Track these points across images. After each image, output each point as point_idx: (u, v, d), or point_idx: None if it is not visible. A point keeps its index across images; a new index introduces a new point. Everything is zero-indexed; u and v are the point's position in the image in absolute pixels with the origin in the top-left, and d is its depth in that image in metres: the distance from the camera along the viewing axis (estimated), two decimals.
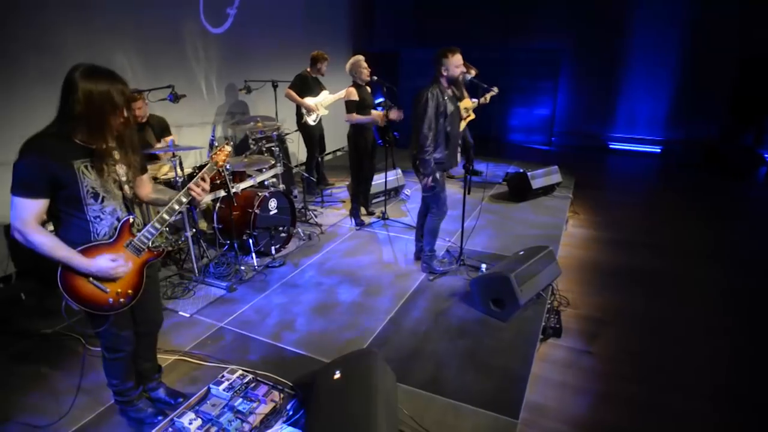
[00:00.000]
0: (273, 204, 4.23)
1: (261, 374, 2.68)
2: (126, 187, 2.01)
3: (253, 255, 4.03)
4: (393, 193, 5.89)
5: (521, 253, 3.65)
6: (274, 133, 4.64)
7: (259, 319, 3.35)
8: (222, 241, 4.16)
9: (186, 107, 5.06)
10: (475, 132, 6.57)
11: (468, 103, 6.30)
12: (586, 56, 8.78)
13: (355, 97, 4.64)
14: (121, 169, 1.99)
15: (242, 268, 3.93)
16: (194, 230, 3.88)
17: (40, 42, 3.77)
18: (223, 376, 2.59)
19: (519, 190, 5.81)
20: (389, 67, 8.51)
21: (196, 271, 3.83)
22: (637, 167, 8.19)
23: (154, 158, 4.17)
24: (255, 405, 2.38)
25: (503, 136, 9.55)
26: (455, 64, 3.51)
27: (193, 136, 5.25)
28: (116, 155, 1.97)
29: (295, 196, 5.66)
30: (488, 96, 6.34)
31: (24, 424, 2.40)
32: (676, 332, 3.40)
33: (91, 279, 1.93)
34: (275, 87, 4.86)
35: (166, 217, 2.06)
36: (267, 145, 4.73)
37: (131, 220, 2.02)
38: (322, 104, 5.60)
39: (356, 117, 4.62)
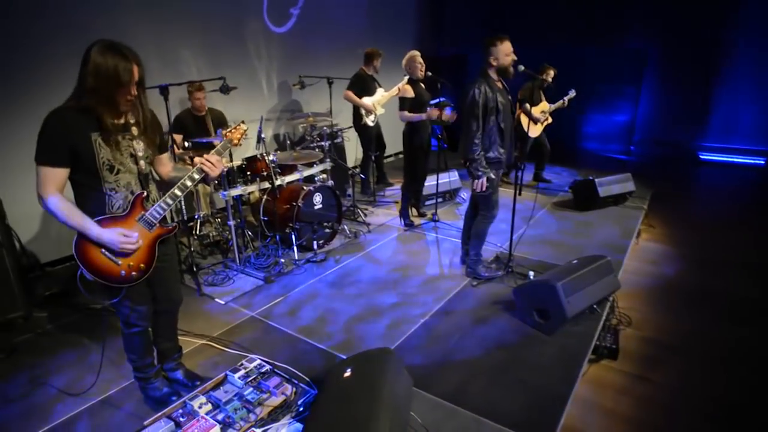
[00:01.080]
0: (318, 198, 4.20)
1: (280, 366, 2.61)
2: (142, 162, 2.03)
3: (295, 248, 4.02)
4: (448, 195, 5.68)
5: (575, 261, 3.29)
6: (324, 128, 4.63)
7: (291, 311, 3.30)
8: (267, 233, 4.20)
9: (246, 103, 5.24)
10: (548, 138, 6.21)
11: (545, 107, 5.98)
12: (675, 56, 7.91)
13: (410, 94, 4.50)
14: (138, 145, 2.01)
15: (282, 260, 3.93)
16: (237, 221, 3.94)
17: None
18: (241, 364, 2.55)
19: (585, 198, 5.33)
20: (457, 70, 8.29)
21: (238, 260, 3.88)
22: (733, 181, 7.25)
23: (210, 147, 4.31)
24: (265, 396, 2.31)
25: (576, 144, 8.93)
26: (505, 51, 3.25)
27: (253, 131, 5.37)
28: (134, 131, 2.00)
29: (349, 195, 5.63)
30: (567, 99, 6.00)
31: (59, 390, 2.52)
32: (755, 365, 2.87)
33: (103, 250, 1.96)
34: (330, 83, 4.86)
35: (178, 192, 2.06)
36: (318, 142, 4.74)
37: (144, 194, 2.03)
38: (379, 102, 5.54)
39: (408, 114, 4.49)
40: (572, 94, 5.98)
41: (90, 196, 1.95)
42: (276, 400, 2.29)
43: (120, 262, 2.01)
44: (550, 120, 6.08)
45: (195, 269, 3.72)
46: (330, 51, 6.25)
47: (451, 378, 2.59)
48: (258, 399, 2.28)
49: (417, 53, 4.56)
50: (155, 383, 2.41)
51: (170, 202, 2.07)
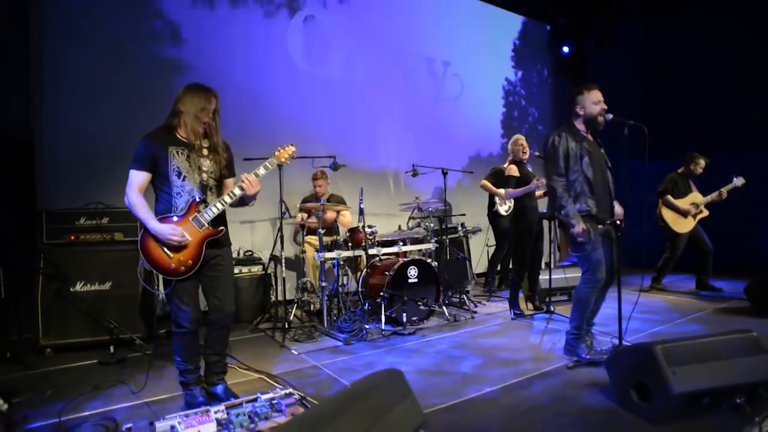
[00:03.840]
0: (413, 272, 4.16)
1: (311, 401, 2.45)
2: (204, 175, 2.44)
3: (383, 318, 3.93)
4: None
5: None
6: (430, 207, 4.73)
7: (354, 366, 3.14)
8: (361, 302, 4.24)
9: (374, 198, 5.75)
10: (724, 250, 5.28)
11: (696, 198, 5.19)
12: None
13: (515, 173, 4.46)
14: (205, 162, 2.45)
15: (367, 326, 3.86)
16: (329, 286, 4.11)
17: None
18: (275, 390, 2.49)
19: (764, 300, 4.07)
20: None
21: (325, 321, 3.96)
22: None
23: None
24: (275, 414, 2.18)
25: None
26: (593, 100, 3.06)
27: (379, 223, 5.73)
28: (204, 152, 2.46)
29: (468, 291, 5.38)
30: (725, 190, 5.11)
31: (129, 389, 2.79)
32: None
33: (160, 244, 2.31)
34: (445, 174, 5.08)
35: (227, 199, 2.41)
36: (424, 223, 4.84)
37: (198, 199, 2.39)
38: None
39: (513, 191, 4.39)
40: (737, 182, 5.03)
41: (162, 197, 2.41)
42: (283, 419, 2.14)
43: (171, 256, 2.33)
44: (705, 213, 5.12)
45: (286, 326, 3.90)
46: (459, 151, 6.59)
47: None
48: (266, 414, 2.16)
49: (521, 137, 4.61)
50: (194, 390, 2.51)
51: (220, 206, 2.40)
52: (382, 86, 6.10)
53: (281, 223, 4.03)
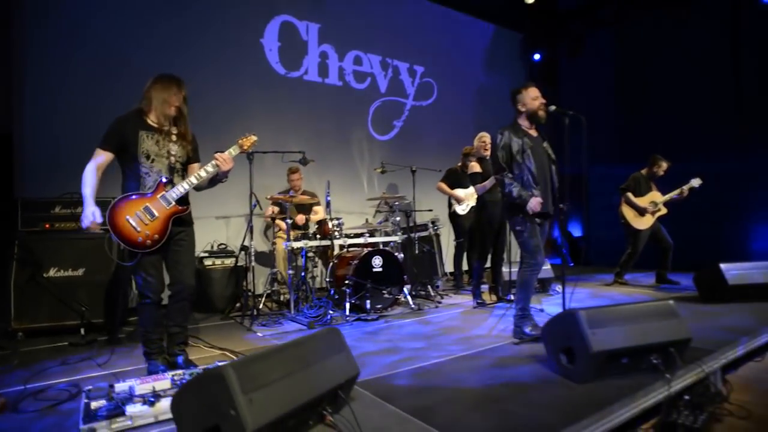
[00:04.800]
0: (377, 262, 4.34)
1: None
2: (172, 158, 2.63)
3: (347, 305, 4.10)
4: (539, 286, 5.18)
5: None
6: (396, 203, 4.94)
7: None
8: (328, 290, 4.41)
9: (347, 197, 5.96)
10: (690, 250, 5.53)
11: (656, 197, 5.44)
12: None
13: (478, 169, 4.70)
14: (174, 146, 2.64)
15: (332, 312, 4.03)
16: (294, 275, 4.29)
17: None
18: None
19: (709, 288, 4.31)
20: (576, 185, 8.00)
21: (292, 308, 4.12)
22: None
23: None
24: None
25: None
26: (531, 96, 3.31)
27: (352, 222, 5.94)
28: (173, 137, 2.64)
29: (438, 285, 5.58)
30: (686, 188, 5.37)
31: (96, 363, 2.94)
32: None
33: (127, 217, 2.48)
34: (413, 172, 5.31)
35: (194, 180, 2.58)
36: (390, 215, 5.05)
37: (165, 180, 2.58)
38: (472, 195, 5.69)
39: (480, 186, 4.62)
40: (694, 182, 5.30)
41: (131, 176, 2.59)
42: None
43: (139, 230, 2.49)
44: (664, 210, 5.39)
45: (255, 313, 4.06)
46: (430, 155, 6.82)
47: (423, 396, 2.26)
48: None
49: (487, 135, 4.83)
50: (156, 360, 2.66)
51: (186, 186, 2.58)
52: (356, 89, 6.34)
53: (251, 215, 4.21)
